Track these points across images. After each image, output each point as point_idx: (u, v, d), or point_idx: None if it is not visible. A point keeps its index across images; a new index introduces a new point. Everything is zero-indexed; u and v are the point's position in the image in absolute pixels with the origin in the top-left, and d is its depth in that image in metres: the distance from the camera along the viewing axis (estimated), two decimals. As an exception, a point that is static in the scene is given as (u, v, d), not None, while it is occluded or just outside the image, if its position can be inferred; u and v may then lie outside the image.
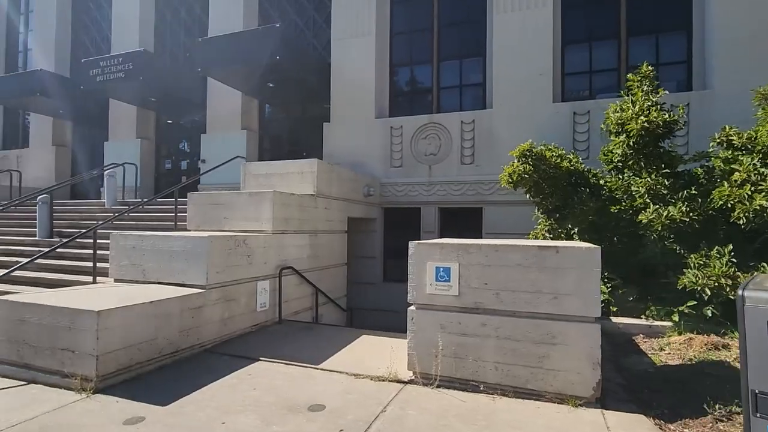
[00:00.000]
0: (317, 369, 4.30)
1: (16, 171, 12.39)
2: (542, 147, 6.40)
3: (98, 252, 6.88)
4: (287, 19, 12.14)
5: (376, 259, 10.50)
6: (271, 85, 11.01)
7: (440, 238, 10.13)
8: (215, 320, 5.06)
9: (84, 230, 5.82)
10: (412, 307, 4.01)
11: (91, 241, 6.25)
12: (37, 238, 7.68)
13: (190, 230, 6.67)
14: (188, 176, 13.66)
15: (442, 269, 3.86)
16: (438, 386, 3.80)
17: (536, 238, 6.62)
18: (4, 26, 17.21)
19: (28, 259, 5.01)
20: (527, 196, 6.59)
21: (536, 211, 7.01)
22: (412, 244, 4.04)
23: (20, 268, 4.75)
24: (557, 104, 9.18)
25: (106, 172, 9.23)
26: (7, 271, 4.85)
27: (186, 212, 7.59)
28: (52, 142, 15.19)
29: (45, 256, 7.03)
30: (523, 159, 5.99)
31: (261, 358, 4.59)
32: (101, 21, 15.23)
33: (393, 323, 9.45)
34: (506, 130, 9.41)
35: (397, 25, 10.97)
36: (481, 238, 9.74)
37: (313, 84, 10.99)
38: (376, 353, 4.78)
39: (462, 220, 9.98)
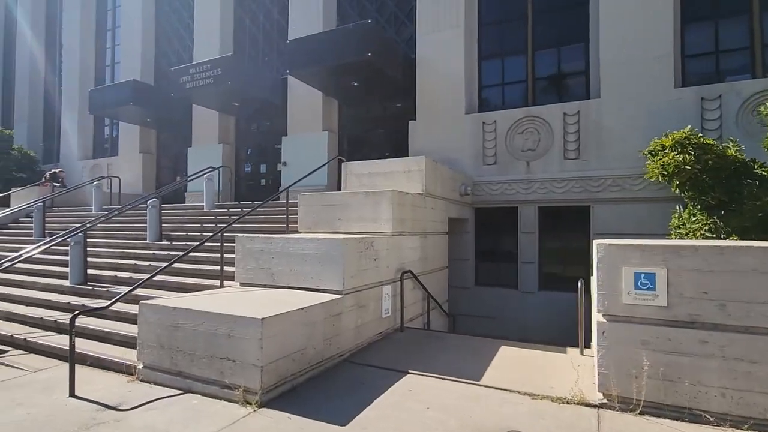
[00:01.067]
0: (480, 386, 3.85)
1: (116, 177, 13.00)
2: (692, 135, 5.62)
3: (211, 255, 6.86)
4: (367, 18, 11.89)
5: (469, 262, 9.97)
6: (355, 84, 10.80)
7: (539, 239, 9.46)
8: (351, 328, 4.76)
9: (211, 233, 5.74)
10: (602, 319, 3.46)
11: (203, 243, 6.10)
12: (147, 242, 7.83)
13: (301, 232, 6.47)
14: (267, 179, 13.81)
15: (643, 275, 3.30)
16: (642, 413, 3.23)
17: (682, 237, 5.84)
18: (93, 43, 18.31)
19: (167, 263, 4.95)
20: (675, 191, 5.82)
21: (678, 207, 6.22)
22: (600, 246, 3.50)
23: (161, 273, 4.69)
24: (679, 89, 8.24)
25: (205, 175, 9.35)
26: (150, 275, 4.80)
27: (281, 215, 7.47)
28: (138, 149, 15.90)
29: (159, 259, 7.10)
30: (679, 149, 5.26)
31: (410, 371, 4.21)
32: (182, 31, 15.78)
33: (491, 329, 8.87)
34: (618, 120, 8.58)
35: (486, 15, 10.41)
36: (588, 239, 8.97)
37: (398, 81, 10.65)
38: (534, 368, 4.27)
39: (564, 220, 9.24)
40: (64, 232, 6.82)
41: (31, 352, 5.13)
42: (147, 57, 16.19)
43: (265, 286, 5.12)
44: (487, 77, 10.52)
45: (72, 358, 3.76)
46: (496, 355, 4.70)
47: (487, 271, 10.04)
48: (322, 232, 6.32)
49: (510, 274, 9.68)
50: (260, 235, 5.29)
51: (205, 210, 9.26)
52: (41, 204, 9.73)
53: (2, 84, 22.04)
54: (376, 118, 12.27)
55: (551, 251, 9.37)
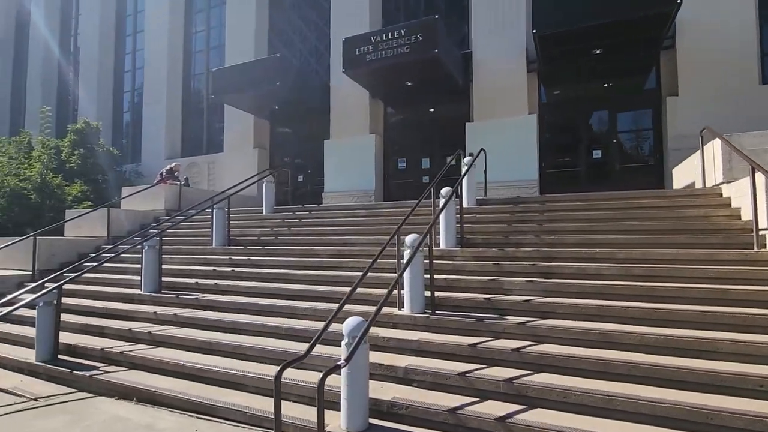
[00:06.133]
0: None
1: (288, 171, 10.59)
2: None
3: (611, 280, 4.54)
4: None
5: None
6: (597, 51, 8.65)
7: None
8: None
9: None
10: None
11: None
12: (445, 248, 5.48)
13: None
14: (432, 176, 11.51)
15: None
16: None
17: None
18: (182, 29, 16.02)
19: None
20: None
21: None
22: None
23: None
24: None
25: (467, 163, 7.03)
26: None
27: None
28: (253, 144, 13.51)
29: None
30: None
31: None
32: (304, 5, 13.57)
33: None
34: None
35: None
36: None
37: (641, 47, 8.55)
38: None
39: None
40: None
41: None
42: (260, 36, 13.88)
43: None
44: (771, 42, 8.45)
45: None
46: None
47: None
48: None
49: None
50: None
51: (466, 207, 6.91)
52: (225, 202, 7.35)
53: (74, 76, 19.56)
54: (595, 97, 9.96)
55: None
